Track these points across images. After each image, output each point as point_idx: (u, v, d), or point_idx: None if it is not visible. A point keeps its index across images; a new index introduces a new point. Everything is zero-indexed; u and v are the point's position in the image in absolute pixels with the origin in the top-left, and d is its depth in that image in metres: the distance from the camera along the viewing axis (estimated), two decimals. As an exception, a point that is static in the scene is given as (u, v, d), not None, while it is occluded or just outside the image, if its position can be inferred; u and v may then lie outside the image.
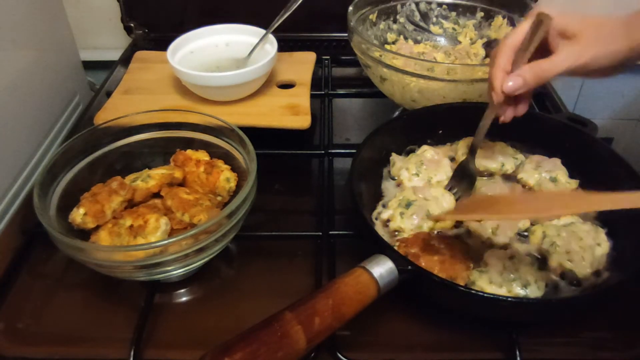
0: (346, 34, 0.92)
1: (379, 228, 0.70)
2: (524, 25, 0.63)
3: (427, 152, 0.79)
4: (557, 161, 0.77)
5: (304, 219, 0.80)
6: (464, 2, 1.03)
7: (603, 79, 0.65)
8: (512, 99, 0.66)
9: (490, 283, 0.61)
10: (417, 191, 0.72)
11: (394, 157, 0.79)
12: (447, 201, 0.72)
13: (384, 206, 0.73)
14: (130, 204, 0.69)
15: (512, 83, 0.62)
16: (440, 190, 0.73)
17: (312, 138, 0.93)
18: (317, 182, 0.85)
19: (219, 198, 0.72)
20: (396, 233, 0.69)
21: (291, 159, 0.90)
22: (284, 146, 0.88)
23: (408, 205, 0.70)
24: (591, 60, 0.60)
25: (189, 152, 0.76)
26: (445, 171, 0.76)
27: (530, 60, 0.63)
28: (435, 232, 0.69)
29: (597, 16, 0.61)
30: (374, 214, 0.72)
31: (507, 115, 0.68)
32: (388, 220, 0.70)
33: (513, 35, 0.64)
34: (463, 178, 0.75)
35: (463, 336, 0.62)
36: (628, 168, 0.70)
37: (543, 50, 0.63)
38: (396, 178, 0.77)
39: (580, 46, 0.60)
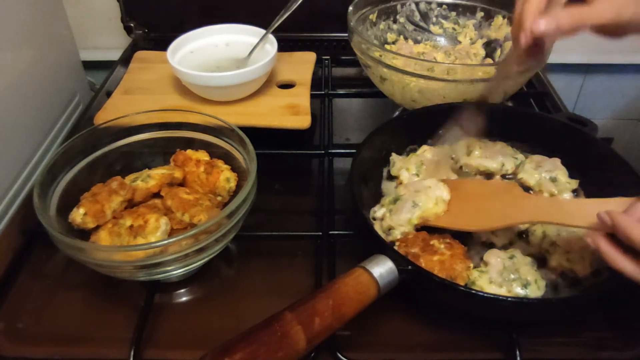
0: (346, 34, 0.92)
1: (378, 228, 0.70)
2: None
3: (427, 152, 0.79)
4: (557, 161, 0.77)
5: (304, 219, 0.80)
6: (464, 2, 1.03)
7: (617, 39, 0.58)
8: (532, 48, 0.59)
9: (490, 283, 0.61)
10: (410, 185, 0.71)
11: (394, 157, 0.79)
12: (440, 190, 0.70)
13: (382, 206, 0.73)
14: (130, 204, 0.69)
15: (544, 24, 0.54)
16: (433, 180, 0.72)
17: (312, 138, 0.93)
18: (317, 182, 0.85)
19: (219, 198, 0.72)
20: (389, 231, 0.69)
21: (291, 159, 0.90)
22: (284, 146, 0.88)
23: (395, 201, 0.69)
24: (631, 17, 0.54)
25: (189, 152, 0.76)
26: (445, 171, 0.76)
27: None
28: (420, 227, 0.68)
29: None
30: (371, 212, 0.72)
31: (525, 63, 0.62)
32: (383, 219, 0.70)
33: None
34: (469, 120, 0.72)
35: (463, 336, 0.62)
36: (628, 168, 0.70)
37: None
38: (396, 178, 0.77)
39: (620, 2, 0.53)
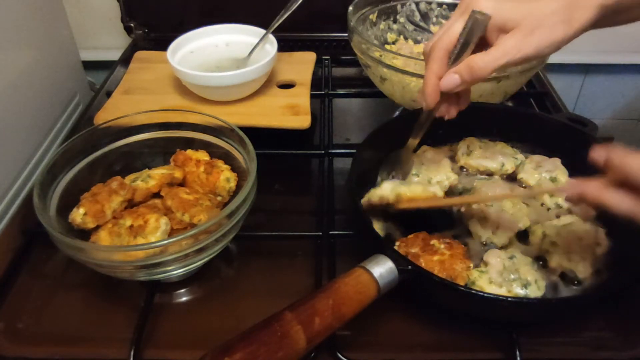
0: (346, 34, 0.92)
1: (377, 227, 0.70)
2: (457, 26, 0.58)
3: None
4: (557, 161, 0.77)
5: (304, 219, 0.80)
6: (464, 2, 1.03)
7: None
8: (452, 97, 0.63)
9: (490, 283, 0.61)
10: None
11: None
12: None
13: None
14: (130, 204, 0.69)
15: (448, 81, 0.58)
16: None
17: (312, 138, 0.93)
18: (317, 182, 0.85)
19: (219, 198, 0.72)
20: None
21: (291, 159, 0.90)
22: (284, 146, 0.88)
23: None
24: (535, 50, 0.55)
25: (189, 152, 0.76)
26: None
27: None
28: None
29: (537, 1, 0.56)
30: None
31: (451, 112, 0.65)
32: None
33: (445, 37, 0.59)
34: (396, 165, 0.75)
35: (463, 336, 0.62)
36: (628, 168, 0.70)
37: (481, 45, 0.58)
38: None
39: (521, 36, 0.55)
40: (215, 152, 0.76)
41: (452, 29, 0.58)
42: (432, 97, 0.61)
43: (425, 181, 0.75)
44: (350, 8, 0.93)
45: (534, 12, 0.55)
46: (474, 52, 0.58)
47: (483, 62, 0.56)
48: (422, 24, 1.06)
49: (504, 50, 0.56)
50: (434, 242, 0.65)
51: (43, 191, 0.64)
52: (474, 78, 0.57)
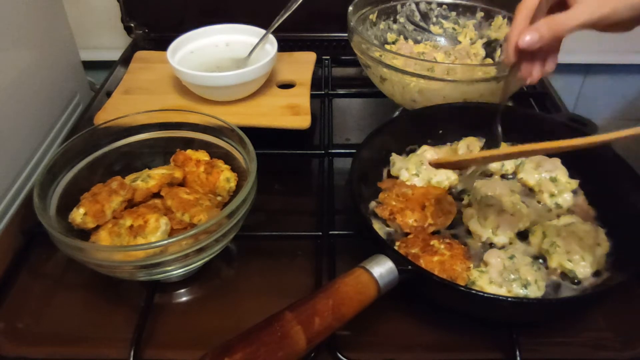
0: (346, 34, 0.92)
1: (377, 227, 0.70)
2: None
3: (427, 152, 0.79)
4: (557, 161, 0.77)
5: (304, 219, 0.80)
6: (464, 2, 1.03)
7: (624, 32, 0.62)
8: (537, 57, 0.64)
9: (490, 283, 0.61)
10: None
11: (394, 157, 0.79)
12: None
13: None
14: (130, 204, 0.69)
15: (528, 37, 0.59)
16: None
17: (312, 138, 0.93)
18: (317, 182, 0.85)
19: (219, 198, 0.72)
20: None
21: (291, 159, 0.90)
22: (284, 146, 0.88)
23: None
24: (611, 12, 0.57)
25: (189, 152, 0.76)
26: (444, 171, 0.76)
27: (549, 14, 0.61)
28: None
29: None
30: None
31: (534, 74, 0.65)
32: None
33: None
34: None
35: (463, 336, 0.62)
36: (628, 168, 0.70)
37: (563, 7, 0.60)
38: (397, 178, 0.77)
39: None
40: (215, 152, 0.76)
41: None
42: (511, 52, 0.62)
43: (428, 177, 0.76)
44: (350, 8, 0.93)
45: None
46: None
47: (563, 18, 0.58)
48: (422, 24, 1.06)
49: (583, 9, 0.58)
50: (434, 242, 0.65)
51: (43, 191, 0.64)
52: (553, 35, 0.59)
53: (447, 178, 0.76)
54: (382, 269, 0.55)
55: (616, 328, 0.63)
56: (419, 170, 0.76)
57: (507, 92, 0.71)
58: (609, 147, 0.74)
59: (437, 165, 0.70)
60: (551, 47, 0.63)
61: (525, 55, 0.63)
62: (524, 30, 0.60)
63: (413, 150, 0.81)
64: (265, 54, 0.94)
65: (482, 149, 0.75)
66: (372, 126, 0.79)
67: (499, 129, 0.73)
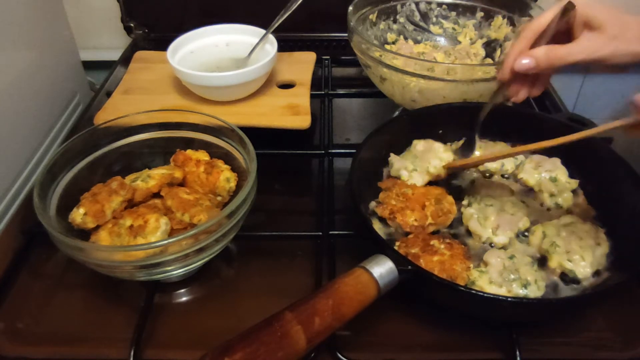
0: (346, 34, 0.92)
1: (377, 227, 0.70)
2: (551, 11, 0.63)
3: (417, 145, 0.79)
4: (557, 161, 0.77)
5: (304, 219, 0.80)
6: (464, 2, 1.03)
7: (617, 73, 0.64)
8: (527, 79, 0.66)
9: (490, 283, 0.61)
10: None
11: (392, 157, 0.79)
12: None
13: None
14: (130, 204, 0.69)
15: (524, 62, 0.62)
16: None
17: (312, 138, 0.93)
18: (317, 182, 0.85)
19: (219, 198, 0.72)
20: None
21: (291, 159, 0.90)
22: (284, 146, 0.88)
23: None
24: (610, 55, 0.59)
25: (189, 152, 0.76)
26: (437, 154, 0.77)
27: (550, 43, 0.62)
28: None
29: (627, 12, 0.60)
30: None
31: (520, 95, 0.68)
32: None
33: (539, 19, 0.63)
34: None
35: (463, 336, 0.62)
36: (628, 168, 0.70)
37: (567, 38, 0.62)
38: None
39: (602, 40, 0.59)
40: (215, 152, 0.76)
41: (547, 13, 0.63)
42: (506, 71, 0.64)
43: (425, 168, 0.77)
44: (350, 8, 0.93)
45: (621, 20, 0.59)
46: (562, 42, 0.61)
47: (563, 52, 0.60)
48: (422, 24, 1.06)
49: (582, 48, 0.60)
50: (434, 242, 0.65)
51: (43, 191, 0.64)
52: (549, 65, 0.61)
53: (440, 160, 0.76)
54: (382, 269, 0.55)
55: (616, 328, 0.63)
56: (415, 164, 0.76)
57: (489, 105, 0.73)
58: (609, 147, 0.74)
59: (451, 168, 0.75)
60: (544, 74, 0.65)
61: (518, 75, 0.64)
62: (523, 54, 0.62)
63: (412, 151, 0.81)
64: (265, 54, 0.94)
65: (459, 150, 0.79)
66: (372, 126, 0.79)
67: (477, 136, 0.77)
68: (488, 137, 0.82)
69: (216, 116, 0.74)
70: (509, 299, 0.57)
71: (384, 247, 0.60)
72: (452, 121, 0.82)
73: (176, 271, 0.62)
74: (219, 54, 0.98)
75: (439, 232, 0.70)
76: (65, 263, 0.70)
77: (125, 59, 1.10)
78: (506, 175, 0.79)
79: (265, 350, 0.48)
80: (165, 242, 0.58)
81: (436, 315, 0.63)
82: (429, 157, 0.77)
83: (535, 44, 0.63)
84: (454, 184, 0.78)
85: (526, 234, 0.70)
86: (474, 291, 0.57)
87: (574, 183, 0.75)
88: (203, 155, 0.76)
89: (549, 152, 0.79)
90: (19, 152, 0.87)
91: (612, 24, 0.59)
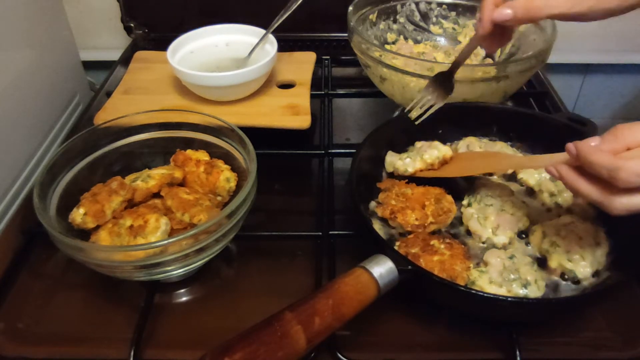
0: (346, 34, 0.92)
1: (377, 227, 0.70)
2: None
3: (418, 144, 0.79)
4: (557, 161, 0.77)
5: (304, 219, 0.80)
6: (464, 2, 1.03)
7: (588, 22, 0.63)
8: (497, 30, 0.66)
9: (490, 283, 0.61)
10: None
11: (389, 154, 0.78)
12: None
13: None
14: (130, 204, 0.69)
15: (502, 13, 0.62)
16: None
17: (312, 138, 0.93)
18: (317, 182, 0.85)
19: (219, 198, 0.72)
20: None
21: (291, 159, 0.90)
22: (284, 146, 0.88)
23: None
24: (587, 10, 0.59)
25: (189, 152, 0.76)
26: (435, 145, 0.76)
27: None
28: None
29: None
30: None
31: (492, 47, 0.69)
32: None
33: None
34: (439, 87, 0.76)
35: (463, 336, 0.62)
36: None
37: None
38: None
39: None
40: (215, 152, 0.76)
41: None
42: (487, 24, 0.64)
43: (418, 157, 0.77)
44: (350, 8, 0.93)
45: None
46: None
47: (541, 4, 0.60)
48: (422, 24, 1.06)
49: (560, 2, 0.59)
50: (434, 242, 0.65)
51: (43, 191, 0.64)
52: (527, 17, 0.61)
53: (439, 151, 0.76)
54: (382, 268, 0.55)
55: (616, 328, 0.63)
56: (409, 154, 0.76)
57: (466, 53, 0.73)
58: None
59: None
60: (514, 25, 0.65)
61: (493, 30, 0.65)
62: (502, 6, 0.62)
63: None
64: (265, 54, 0.94)
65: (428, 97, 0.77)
66: (372, 126, 0.79)
67: (453, 81, 0.76)
68: (488, 137, 0.82)
69: (216, 116, 0.74)
70: (509, 299, 0.57)
71: (384, 247, 0.60)
72: (452, 121, 0.82)
73: (176, 271, 0.62)
74: (219, 54, 0.98)
75: (439, 232, 0.70)
76: (65, 263, 0.70)
77: (125, 59, 1.10)
78: (506, 175, 0.79)
79: (265, 350, 0.48)
80: (165, 242, 0.58)
81: (436, 315, 0.63)
82: (427, 148, 0.77)
83: None
84: (454, 182, 0.78)
85: (525, 234, 0.70)
86: (474, 291, 0.57)
87: (574, 183, 0.75)
88: (203, 155, 0.76)
89: (548, 152, 0.79)
90: (19, 152, 0.87)
91: None
